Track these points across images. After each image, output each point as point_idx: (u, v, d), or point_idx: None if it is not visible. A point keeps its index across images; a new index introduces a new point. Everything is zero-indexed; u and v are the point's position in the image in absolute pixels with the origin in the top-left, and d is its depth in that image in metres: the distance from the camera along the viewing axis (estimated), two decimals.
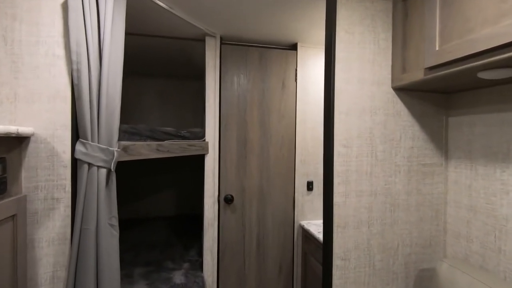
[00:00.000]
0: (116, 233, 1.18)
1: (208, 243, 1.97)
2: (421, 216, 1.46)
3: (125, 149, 1.30)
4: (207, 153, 1.96)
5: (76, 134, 1.13)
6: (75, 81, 1.09)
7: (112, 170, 1.16)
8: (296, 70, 2.11)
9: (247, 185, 2.04)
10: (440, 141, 1.48)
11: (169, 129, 1.65)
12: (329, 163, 1.36)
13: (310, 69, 2.13)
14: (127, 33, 1.22)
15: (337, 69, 1.35)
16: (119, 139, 1.30)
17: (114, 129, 1.18)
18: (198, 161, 2.19)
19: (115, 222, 1.18)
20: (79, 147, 1.10)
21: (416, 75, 1.24)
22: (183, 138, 1.74)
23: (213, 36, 1.95)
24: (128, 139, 1.36)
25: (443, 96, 1.48)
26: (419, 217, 1.46)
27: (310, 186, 2.14)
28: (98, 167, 1.13)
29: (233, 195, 2.01)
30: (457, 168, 1.44)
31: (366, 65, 1.38)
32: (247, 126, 2.04)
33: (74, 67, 1.08)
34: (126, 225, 2.90)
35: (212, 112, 1.97)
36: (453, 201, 1.45)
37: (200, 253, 2.25)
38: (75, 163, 1.13)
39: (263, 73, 2.06)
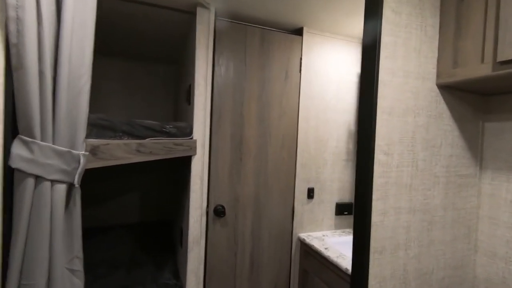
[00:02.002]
0: (79, 281, 0.76)
1: (192, 264, 1.59)
2: (455, 234, 1.27)
3: (94, 151, 0.87)
4: (195, 154, 1.57)
5: (12, 127, 0.68)
6: (13, 39, 0.65)
7: (76, 185, 0.74)
8: (301, 59, 1.81)
9: (241, 194, 1.70)
10: (476, 149, 1.31)
11: (151, 122, 1.23)
12: (366, 174, 1.09)
13: (316, 59, 1.85)
14: None
15: (382, 56, 1.08)
16: (86, 136, 0.87)
17: (80, 121, 0.76)
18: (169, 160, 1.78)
19: (79, 265, 0.76)
20: (18, 149, 0.66)
21: (477, 70, 1.02)
22: (169, 135, 1.33)
23: (206, 7, 1.55)
24: (97, 136, 0.93)
25: (481, 98, 1.31)
26: (453, 235, 1.27)
27: (310, 193, 1.87)
28: (53, 181, 0.70)
29: (225, 206, 1.65)
30: (495, 180, 1.27)
31: (412, 55, 1.14)
32: (244, 122, 1.69)
33: (11, 14, 0.64)
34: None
35: (201, 103, 1.58)
36: (487, 216, 1.29)
37: (176, 274, 1.85)
38: (10, 176, 0.68)
39: (265, 60, 1.72)
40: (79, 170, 0.73)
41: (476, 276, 1.33)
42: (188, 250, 1.58)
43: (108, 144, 0.93)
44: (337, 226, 1.97)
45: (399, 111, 1.12)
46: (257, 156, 1.72)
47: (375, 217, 1.10)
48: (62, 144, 0.71)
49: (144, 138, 1.16)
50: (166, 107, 2.74)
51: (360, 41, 1.97)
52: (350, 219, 2.00)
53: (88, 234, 2.42)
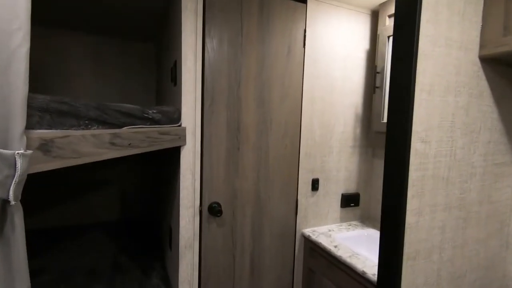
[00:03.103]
0: None
1: (185, 272, 1.37)
2: (489, 230, 1.12)
3: (45, 146, 0.61)
4: (185, 144, 1.32)
5: None
6: None
7: (13, 201, 0.48)
8: (305, 31, 1.56)
9: (239, 189, 1.47)
10: None
11: (129, 106, 0.96)
12: (400, 167, 0.89)
13: (321, 32, 1.61)
14: None
15: (423, 20, 0.86)
16: (31, 126, 0.61)
17: (15, 103, 0.49)
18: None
19: None
20: None
21: None
22: (152, 122, 1.07)
23: None
24: (51, 125, 0.66)
25: None
26: (487, 232, 1.11)
27: (315, 185, 1.67)
28: None
29: (221, 203, 1.43)
30: None
31: (455, 18, 0.92)
32: (241, 105, 1.44)
33: None
34: (50, 238, 2.07)
35: (191, 83, 1.31)
36: None
37: (165, 280, 1.63)
38: None
39: (264, 32, 1.46)
40: (16, 178, 0.48)
41: (506, 274, 1.19)
42: (180, 256, 1.35)
43: (67, 136, 0.66)
44: (343, 219, 1.80)
45: (440, 89, 0.91)
46: (256, 145, 1.49)
47: (410, 218, 0.91)
48: None
49: (120, 127, 0.90)
50: (145, 91, 2.42)
51: (371, 12, 1.74)
52: (355, 211, 1.84)
53: (59, 236, 2.15)
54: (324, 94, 1.65)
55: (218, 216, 1.37)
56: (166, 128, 1.14)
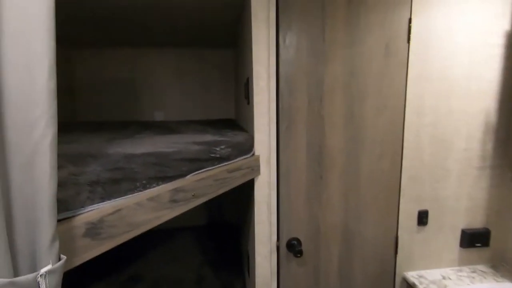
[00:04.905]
0: None
1: None
2: None
3: (93, 230, 0.53)
4: (258, 174, 1.16)
5: None
6: None
7: None
8: (410, 20, 1.18)
9: (323, 222, 1.25)
10: None
11: (194, 149, 0.85)
12: None
13: (435, 19, 1.19)
14: None
15: None
16: (81, 205, 0.54)
17: (42, 202, 0.40)
18: None
19: None
20: None
21: None
22: (221, 160, 0.94)
23: None
24: (105, 197, 0.58)
25: None
26: None
27: (423, 218, 1.30)
28: None
29: (301, 239, 1.23)
30: None
31: None
32: (325, 124, 1.19)
33: None
34: (145, 241, 2.26)
35: (264, 104, 1.13)
36: None
37: None
38: None
39: (353, 28, 1.15)
40: None
41: None
42: None
43: (119, 210, 0.58)
44: (464, 262, 1.37)
45: None
46: (344, 171, 1.23)
47: None
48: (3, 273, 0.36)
49: (184, 176, 0.79)
50: (224, 99, 2.38)
51: None
52: (483, 252, 1.37)
53: (152, 239, 2.33)
54: (438, 101, 1.24)
55: (298, 256, 1.18)
56: (237, 163, 1.00)
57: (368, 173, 1.25)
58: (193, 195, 0.79)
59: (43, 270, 0.40)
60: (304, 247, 1.23)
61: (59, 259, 0.43)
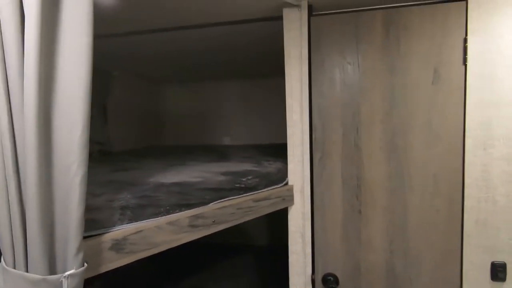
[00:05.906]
0: None
1: None
2: None
3: (118, 245, 0.68)
4: (292, 204, 1.18)
5: None
6: None
7: None
8: (465, 40, 1.04)
9: (363, 261, 1.16)
10: None
11: (218, 179, 0.96)
12: None
13: (501, 33, 1.02)
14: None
15: None
16: (113, 224, 0.70)
17: (71, 224, 0.56)
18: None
19: None
20: None
21: None
22: (247, 189, 1.02)
23: (295, 5, 1.12)
24: (133, 219, 0.74)
25: None
26: None
27: (498, 272, 1.06)
28: None
29: (338, 276, 1.17)
30: None
31: None
32: (362, 156, 1.13)
33: None
34: (212, 253, 2.44)
35: (298, 137, 1.17)
36: None
37: None
38: None
39: (393, 56, 1.09)
40: None
41: None
42: None
43: (140, 231, 0.72)
44: None
45: None
46: (387, 207, 1.13)
47: None
48: (37, 268, 0.53)
49: (206, 204, 0.90)
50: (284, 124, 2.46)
51: None
52: None
53: (208, 254, 2.45)
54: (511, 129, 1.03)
55: None
56: (264, 192, 1.06)
57: (417, 212, 1.11)
58: (213, 222, 0.89)
59: (66, 273, 0.55)
60: (341, 285, 1.17)
61: (83, 266, 0.59)
